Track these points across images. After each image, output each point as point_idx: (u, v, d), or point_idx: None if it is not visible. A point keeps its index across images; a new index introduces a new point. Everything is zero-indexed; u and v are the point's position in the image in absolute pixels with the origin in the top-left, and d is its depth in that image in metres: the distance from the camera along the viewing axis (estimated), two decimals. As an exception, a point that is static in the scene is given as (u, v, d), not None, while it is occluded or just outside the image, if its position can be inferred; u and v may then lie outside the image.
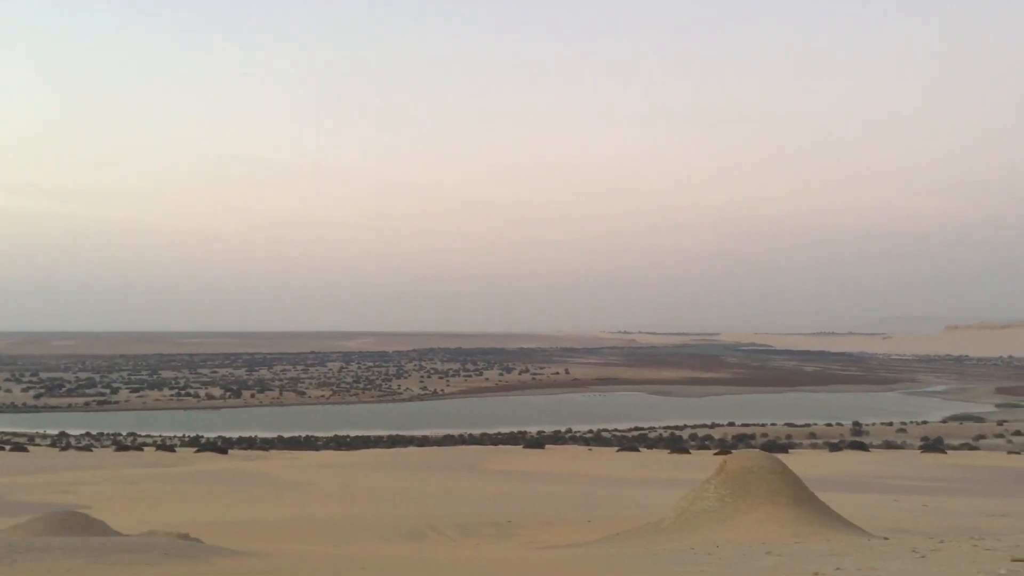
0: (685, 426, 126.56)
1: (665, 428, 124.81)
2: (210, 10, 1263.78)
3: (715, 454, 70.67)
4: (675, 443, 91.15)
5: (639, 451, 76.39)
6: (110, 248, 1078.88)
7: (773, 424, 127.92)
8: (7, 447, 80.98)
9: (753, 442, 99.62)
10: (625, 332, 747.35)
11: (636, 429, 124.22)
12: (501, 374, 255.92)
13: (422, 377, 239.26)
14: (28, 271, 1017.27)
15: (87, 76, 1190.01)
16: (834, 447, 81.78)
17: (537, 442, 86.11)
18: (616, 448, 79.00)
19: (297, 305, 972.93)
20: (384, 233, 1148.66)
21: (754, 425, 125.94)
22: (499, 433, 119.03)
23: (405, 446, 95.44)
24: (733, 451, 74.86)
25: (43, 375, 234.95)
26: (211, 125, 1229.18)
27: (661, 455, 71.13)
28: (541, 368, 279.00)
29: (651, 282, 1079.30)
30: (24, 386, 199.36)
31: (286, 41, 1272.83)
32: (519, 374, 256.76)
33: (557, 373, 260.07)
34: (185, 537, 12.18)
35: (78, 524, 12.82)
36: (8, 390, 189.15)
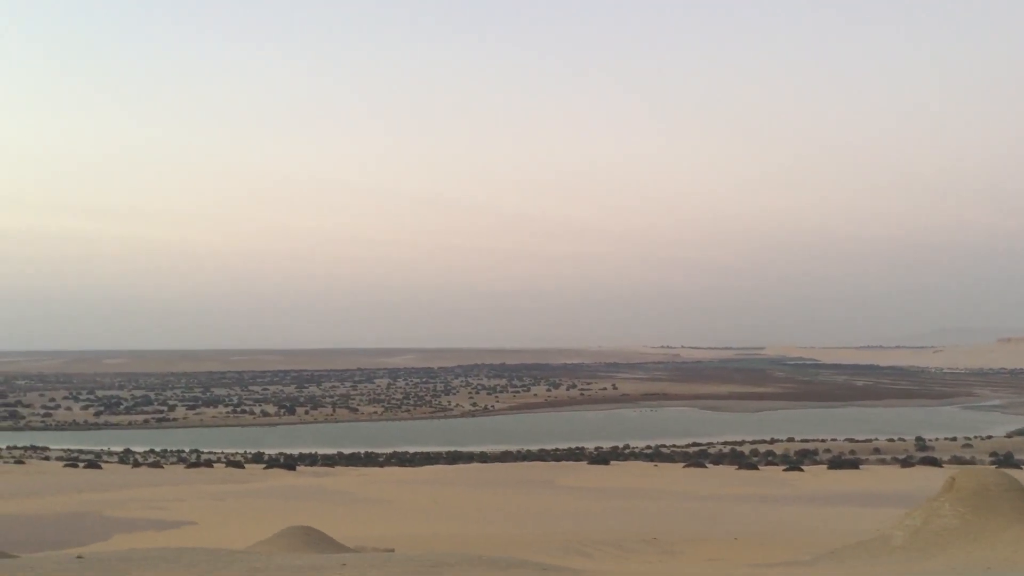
0: (744, 441, 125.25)
1: (724, 443, 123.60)
2: (248, 32, 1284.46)
3: (784, 470, 69.99)
4: (739, 459, 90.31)
5: (706, 467, 75.85)
6: (158, 268, 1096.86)
7: (834, 439, 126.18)
8: (81, 464, 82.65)
9: (817, 458, 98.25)
10: (668, 347, 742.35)
11: (694, 445, 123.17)
12: (549, 389, 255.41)
13: (470, 393, 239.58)
14: (79, 291, 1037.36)
15: (140, 104, 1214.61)
16: (904, 463, 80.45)
17: (602, 458, 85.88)
18: (682, 464, 78.39)
19: (339, 322, 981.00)
20: (420, 249, 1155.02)
21: (814, 440, 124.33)
22: (557, 449, 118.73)
23: (467, 462, 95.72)
24: (802, 467, 74.21)
25: (99, 393, 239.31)
26: (254, 146, 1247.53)
27: (729, 471, 70.57)
28: (588, 383, 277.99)
29: (692, 296, 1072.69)
30: (83, 404, 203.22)
31: (322, 58, 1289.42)
32: (567, 389, 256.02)
33: (605, 388, 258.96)
34: (389, 551, 12.41)
35: (318, 538, 13.14)
36: (68, 408, 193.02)
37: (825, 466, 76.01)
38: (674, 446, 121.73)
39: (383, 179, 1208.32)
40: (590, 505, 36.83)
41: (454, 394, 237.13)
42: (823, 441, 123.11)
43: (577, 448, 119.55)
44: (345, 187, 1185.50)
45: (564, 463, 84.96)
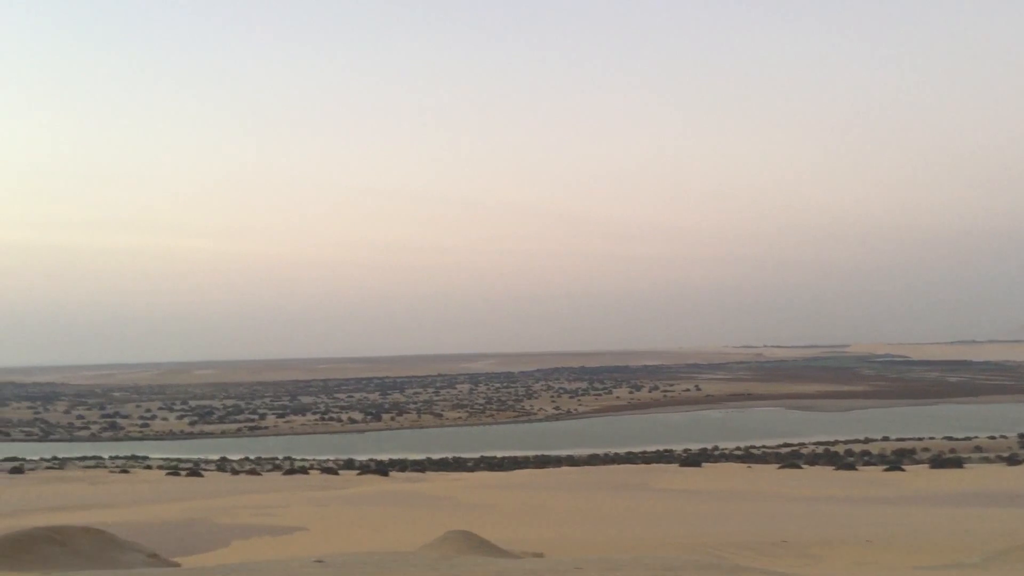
0: (837, 441, 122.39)
1: (816, 444, 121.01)
2: (321, 46, 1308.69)
3: (884, 470, 68.08)
4: (835, 459, 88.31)
5: (801, 468, 74.30)
6: (242, 281, 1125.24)
7: (931, 438, 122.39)
8: (182, 472, 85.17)
9: (916, 456, 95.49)
10: (750, 346, 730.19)
11: (786, 445, 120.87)
12: (631, 392, 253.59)
13: (552, 397, 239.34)
14: (170, 305, 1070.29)
15: (234, 129, 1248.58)
16: (1011, 460, 77.64)
17: (693, 460, 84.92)
18: (777, 465, 76.93)
19: (419, 329, 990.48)
20: (492, 255, 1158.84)
21: (910, 439, 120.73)
22: (645, 452, 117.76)
23: (556, 466, 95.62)
24: (903, 466, 72.08)
25: (192, 403, 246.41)
26: (332, 160, 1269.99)
27: (826, 472, 68.99)
28: (671, 385, 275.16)
29: (773, 294, 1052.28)
30: (178, 414, 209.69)
31: (387, 66, 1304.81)
32: (649, 391, 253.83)
33: (688, 390, 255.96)
34: (539, 556, 12.47)
35: (478, 543, 13.32)
36: (164, 418, 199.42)
37: (927, 465, 73.79)
38: (765, 447, 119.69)
39: (464, 187, 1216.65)
40: (695, 508, 36.39)
41: (536, 398, 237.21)
42: (920, 440, 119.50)
43: (665, 450, 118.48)
44: (429, 197, 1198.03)
45: (654, 466, 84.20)
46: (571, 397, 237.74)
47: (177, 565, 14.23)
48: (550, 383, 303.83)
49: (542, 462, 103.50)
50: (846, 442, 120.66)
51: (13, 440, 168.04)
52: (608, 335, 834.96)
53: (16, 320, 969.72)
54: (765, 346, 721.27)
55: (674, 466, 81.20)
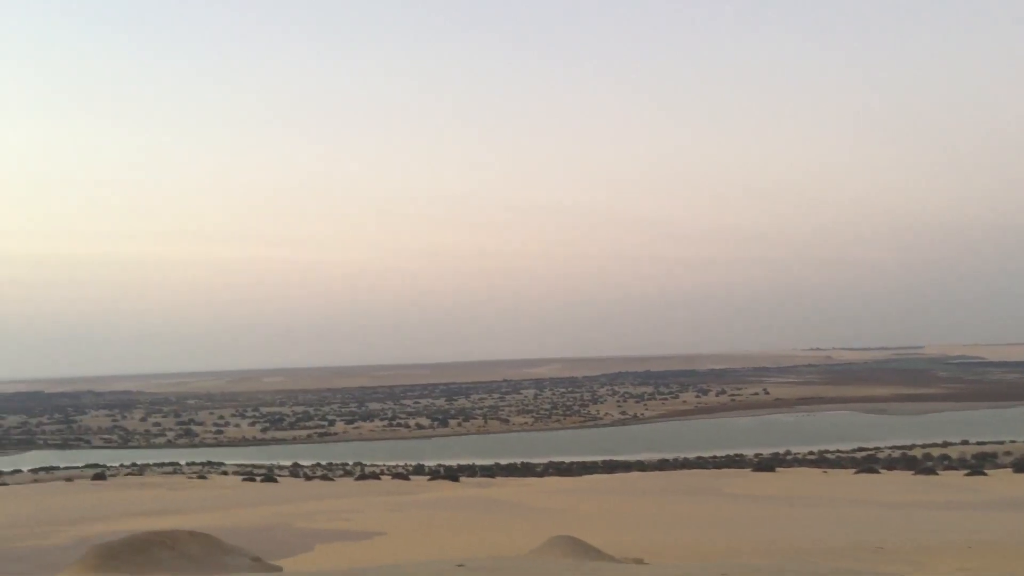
0: (914, 445, 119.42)
1: (892, 448, 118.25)
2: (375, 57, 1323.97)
3: (966, 475, 66.16)
4: (913, 464, 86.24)
5: (879, 472, 72.62)
6: (311, 288, 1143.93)
7: (1013, 441, 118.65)
8: (257, 478, 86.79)
9: (998, 461, 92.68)
10: (818, 349, 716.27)
11: (860, 450, 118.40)
12: (698, 396, 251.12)
13: (618, 401, 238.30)
14: (240, 314, 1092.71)
15: (310, 138, 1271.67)
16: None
17: (766, 465, 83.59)
18: (853, 470, 75.33)
19: (483, 335, 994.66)
20: (555, 259, 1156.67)
21: (992, 443, 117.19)
22: (715, 456, 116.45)
23: (625, 471, 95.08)
24: (985, 471, 69.93)
25: (263, 410, 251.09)
26: (398, 164, 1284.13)
27: (905, 476, 67.32)
28: (738, 389, 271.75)
29: (843, 296, 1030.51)
30: (250, 420, 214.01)
31: (466, 72, 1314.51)
32: (716, 395, 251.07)
33: (756, 393, 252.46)
34: (640, 562, 12.42)
35: (584, 548, 13.40)
36: (237, 425, 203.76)
37: (1010, 469, 71.57)
38: (839, 451, 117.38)
39: (525, 191, 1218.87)
40: (775, 513, 35.83)
41: (601, 403, 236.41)
42: (1001, 443, 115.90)
43: (736, 455, 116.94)
44: (479, 200, 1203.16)
45: (726, 470, 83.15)
46: (637, 401, 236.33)
47: (279, 569, 14.52)
48: (615, 388, 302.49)
49: (611, 467, 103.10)
50: (924, 446, 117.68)
51: (94, 447, 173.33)
52: (672, 339, 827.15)
53: (92, 330, 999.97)
54: (834, 349, 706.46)
55: (746, 471, 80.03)
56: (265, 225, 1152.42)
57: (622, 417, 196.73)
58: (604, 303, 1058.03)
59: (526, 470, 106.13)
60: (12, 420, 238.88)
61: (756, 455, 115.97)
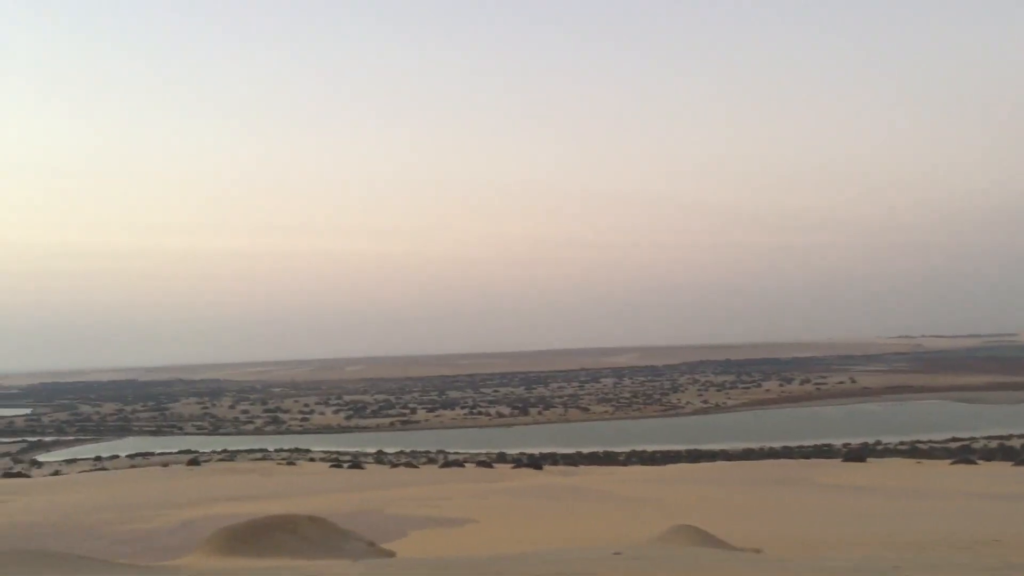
0: (1012, 435, 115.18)
1: (988, 438, 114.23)
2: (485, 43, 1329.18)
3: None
4: (1012, 455, 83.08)
5: (976, 463, 70.20)
6: (391, 278, 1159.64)
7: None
8: (344, 465, 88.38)
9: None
10: (907, 336, 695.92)
11: (954, 439, 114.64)
12: (781, 385, 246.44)
13: (699, 390, 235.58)
14: (322, 304, 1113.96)
15: (397, 131, 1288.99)
16: None
17: (857, 455, 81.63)
18: (948, 461, 73.01)
19: (561, 323, 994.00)
20: (632, 247, 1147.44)
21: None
22: (802, 446, 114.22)
23: (710, 460, 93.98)
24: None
25: (346, 398, 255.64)
26: (474, 154, 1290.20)
27: (1004, 468, 64.98)
28: (823, 377, 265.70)
29: (932, 281, 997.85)
30: (334, 408, 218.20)
31: (539, 61, 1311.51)
32: (801, 384, 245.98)
33: (842, 382, 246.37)
34: (758, 551, 12.17)
35: (705, 537, 13.27)
36: (322, 413, 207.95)
37: (1120, 461, 68.56)
38: (932, 442, 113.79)
39: (588, 178, 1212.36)
40: (872, 504, 34.87)
41: (682, 391, 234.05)
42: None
43: (824, 445, 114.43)
44: (555, 190, 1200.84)
45: (814, 460, 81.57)
46: (718, 390, 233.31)
47: (392, 554, 14.68)
48: (696, 376, 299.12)
49: (695, 456, 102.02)
50: (1021, 436, 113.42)
51: (187, 433, 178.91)
52: (754, 326, 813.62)
53: (182, 319, 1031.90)
54: (924, 336, 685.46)
55: (836, 461, 78.31)
56: (351, 218, 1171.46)
57: (704, 406, 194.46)
58: (683, 291, 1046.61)
59: (609, 459, 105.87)
60: (108, 407, 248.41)
61: (845, 445, 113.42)
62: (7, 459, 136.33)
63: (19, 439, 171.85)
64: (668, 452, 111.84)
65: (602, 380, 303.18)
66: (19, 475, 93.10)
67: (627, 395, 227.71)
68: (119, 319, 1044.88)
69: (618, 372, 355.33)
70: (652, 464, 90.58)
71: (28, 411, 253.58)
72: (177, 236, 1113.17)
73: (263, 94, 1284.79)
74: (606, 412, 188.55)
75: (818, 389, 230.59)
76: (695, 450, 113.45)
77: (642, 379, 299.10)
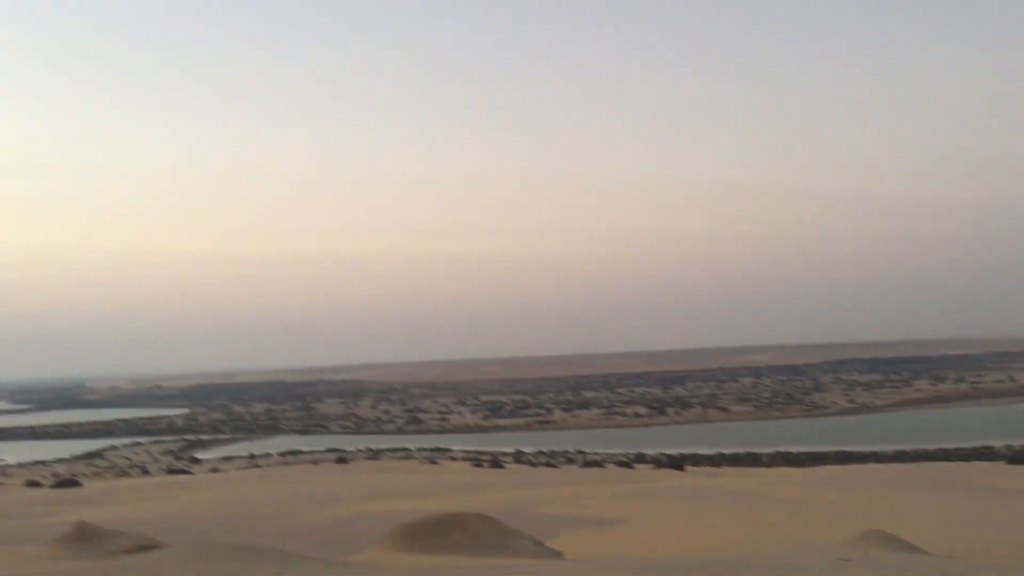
0: None
1: None
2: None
3: None
4: None
5: None
6: (522, 280, 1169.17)
7: None
8: (484, 464, 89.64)
9: None
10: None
11: None
12: (933, 384, 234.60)
13: (843, 390, 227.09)
14: (456, 305, 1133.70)
15: (503, 129, 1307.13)
16: None
17: (1021, 457, 77.10)
18: None
19: (696, 322, 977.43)
20: (767, 242, 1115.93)
21: None
22: (958, 448, 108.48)
23: (859, 462, 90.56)
24: None
25: (482, 398, 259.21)
26: (612, 148, 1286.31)
27: None
28: (978, 376, 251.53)
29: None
30: (471, 408, 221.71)
31: (681, 54, 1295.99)
32: (955, 383, 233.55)
33: (1000, 381, 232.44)
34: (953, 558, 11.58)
35: (895, 542, 12.88)
36: (460, 412, 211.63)
37: None
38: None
39: (724, 173, 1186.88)
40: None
41: (825, 391, 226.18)
42: None
43: (983, 447, 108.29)
44: (693, 184, 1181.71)
45: (974, 463, 77.52)
46: (865, 390, 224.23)
47: (559, 553, 14.74)
48: (839, 375, 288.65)
49: (843, 458, 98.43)
50: None
51: (332, 432, 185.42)
52: (901, 323, 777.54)
53: (324, 322, 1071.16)
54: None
55: (999, 463, 74.23)
56: (483, 218, 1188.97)
57: (850, 406, 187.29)
58: (822, 286, 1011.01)
59: (752, 460, 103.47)
60: (259, 407, 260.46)
61: (1007, 446, 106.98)
62: (170, 456, 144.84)
63: (179, 437, 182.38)
64: (814, 454, 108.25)
65: (740, 379, 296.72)
66: (182, 471, 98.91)
67: (767, 395, 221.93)
68: (266, 322, 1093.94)
69: (756, 371, 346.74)
70: (798, 466, 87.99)
71: (186, 411, 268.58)
72: (319, 240, 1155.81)
73: (402, 96, 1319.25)
74: (746, 412, 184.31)
75: (974, 388, 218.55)
76: (843, 451, 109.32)
77: (782, 378, 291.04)
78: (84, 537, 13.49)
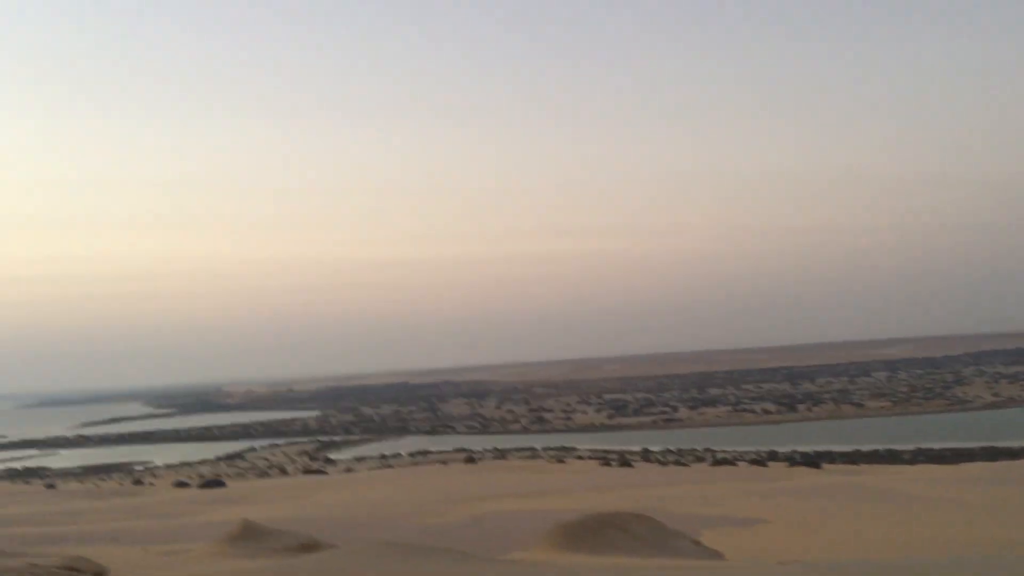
0: None
1: None
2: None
3: None
4: None
5: None
6: (642, 277, 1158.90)
7: None
8: (613, 463, 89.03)
9: None
10: None
11: None
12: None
13: (987, 383, 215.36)
14: (576, 304, 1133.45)
15: (596, 127, 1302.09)
16: None
17: None
18: None
19: (823, 315, 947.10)
20: (900, 231, 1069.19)
21: None
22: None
23: (1011, 458, 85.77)
24: None
25: (605, 396, 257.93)
26: (711, 145, 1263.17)
27: None
28: None
29: None
30: (595, 407, 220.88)
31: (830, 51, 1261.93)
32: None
33: None
34: None
35: None
36: (584, 411, 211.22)
37: None
38: None
39: (855, 162, 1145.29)
40: None
41: (967, 384, 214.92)
42: None
43: None
44: (829, 177, 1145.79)
45: None
46: (1010, 382, 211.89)
47: (720, 554, 14.38)
48: (982, 368, 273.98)
49: (992, 454, 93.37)
50: None
51: (458, 433, 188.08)
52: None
53: (443, 323, 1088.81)
54: None
55: None
56: (601, 217, 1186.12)
57: (995, 400, 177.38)
58: (959, 275, 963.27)
59: (892, 457, 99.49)
60: (386, 409, 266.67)
61: None
62: (305, 457, 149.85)
63: (312, 439, 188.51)
64: (959, 450, 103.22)
65: (873, 374, 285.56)
66: (318, 472, 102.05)
67: (904, 389, 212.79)
68: (387, 326, 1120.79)
69: (891, 364, 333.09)
70: (942, 463, 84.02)
71: (317, 413, 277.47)
72: (437, 245, 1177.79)
73: (514, 98, 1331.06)
74: (883, 408, 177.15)
75: None
76: (991, 447, 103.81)
77: (919, 371, 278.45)
78: (250, 535, 13.96)
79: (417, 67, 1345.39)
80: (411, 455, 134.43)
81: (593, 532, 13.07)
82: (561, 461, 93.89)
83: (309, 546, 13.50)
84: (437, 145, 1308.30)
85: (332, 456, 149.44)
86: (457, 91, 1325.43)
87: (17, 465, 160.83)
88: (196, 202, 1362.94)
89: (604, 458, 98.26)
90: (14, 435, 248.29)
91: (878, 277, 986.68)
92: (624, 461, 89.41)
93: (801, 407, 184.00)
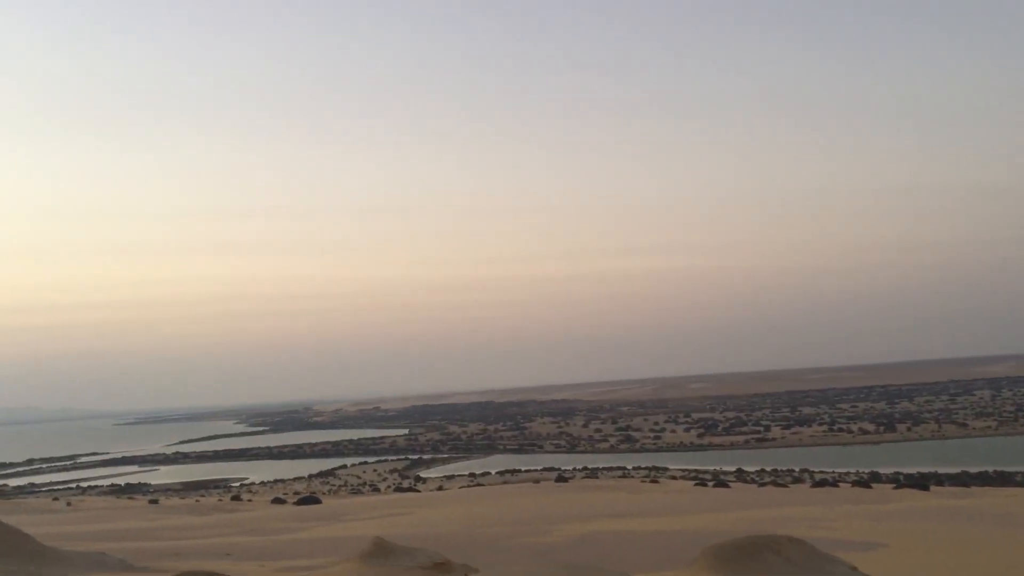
0: None
1: None
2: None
3: None
4: None
5: None
6: (730, 295, 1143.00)
7: None
8: (708, 483, 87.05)
9: None
10: None
11: None
12: None
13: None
14: (661, 322, 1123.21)
15: (688, 144, 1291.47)
16: None
17: None
18: None
19: (922, 333, 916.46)
20: (1000, 246, 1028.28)
21: None
22: None
23: None
24: None
25: (694, 415, 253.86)
26: (798, 162, 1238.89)
27: None
28: None
29: None
30: (684, 426, 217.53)
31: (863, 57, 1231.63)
32: None
33: None
34: None
35: None
36: (673, 431, 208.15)
37: None
38: None
39: (921, 175, 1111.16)
40: None
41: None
42: None
43: None
44: (885, 192, 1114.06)
45: None
46: None
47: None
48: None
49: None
50: None
51: (546, 452, 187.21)
52: None
53: (531, 343, 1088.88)
54: None
55: None
56: (682, 235, 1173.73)
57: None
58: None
59: (1003, 479, 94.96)
60: (474, 427, 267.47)
61: None
62: (395, 475, 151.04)
63: (403, 457, 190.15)
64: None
65: (976, 392, 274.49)
66: (410, 489, 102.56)
67: (1010, 408, 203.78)
68: (471, 345, 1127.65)
69: (994, 383, 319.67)
70: (1061, 486, 79.79)
71: (406, 431, 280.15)
72: (520, 264, 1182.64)
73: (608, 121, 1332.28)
74: (987, 427, 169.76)
75: None
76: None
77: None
78: (382, 553, 13.71)
79: (512, 100, 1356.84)
80: (500, 473, 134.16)
81: (747, 556, 12.42)
82: (655, 481, 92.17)
83: (442, 565, 13.19)
84: (522, 168, 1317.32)
85: (422, 474, 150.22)
86: (555, 117, 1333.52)
87: (120, 481, 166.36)
88: (290, 231, 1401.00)
89: (698, 478, 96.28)
90: (115, 452, 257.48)
91: (978, 293, 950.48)
92: (720, 482, 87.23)
93: (900, 427, 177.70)
